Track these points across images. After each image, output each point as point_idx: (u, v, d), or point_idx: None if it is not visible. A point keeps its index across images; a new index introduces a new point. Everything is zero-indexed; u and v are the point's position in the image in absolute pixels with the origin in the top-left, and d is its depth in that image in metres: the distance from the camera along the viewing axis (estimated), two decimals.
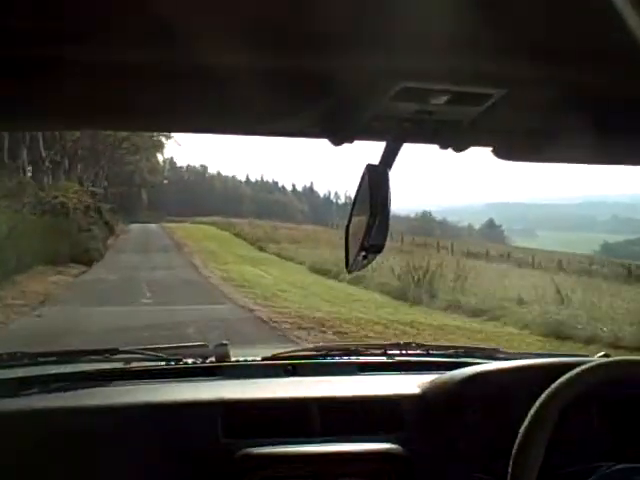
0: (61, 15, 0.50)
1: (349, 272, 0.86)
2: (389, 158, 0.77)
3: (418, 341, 1.98)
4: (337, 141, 0.72)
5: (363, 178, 0.78)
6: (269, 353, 1.81)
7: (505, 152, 0.78)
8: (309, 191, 71.84)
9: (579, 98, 0.65)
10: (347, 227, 0.85)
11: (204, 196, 60.14)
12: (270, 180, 76.30)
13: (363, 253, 0.79)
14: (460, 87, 0.62)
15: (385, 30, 0.52)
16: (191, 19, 0.50)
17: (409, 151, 0.79)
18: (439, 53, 0.54)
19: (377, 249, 0.78)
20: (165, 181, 60.09)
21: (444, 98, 0.64)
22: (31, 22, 0.50)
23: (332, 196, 75.61)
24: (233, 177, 72.84)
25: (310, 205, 65.30)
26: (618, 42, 0.49)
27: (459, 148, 0.75)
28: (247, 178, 75.84)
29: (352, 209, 0.83)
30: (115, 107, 0.65)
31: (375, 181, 0.76)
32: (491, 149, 0.77)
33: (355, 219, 0.82)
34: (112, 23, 0.51)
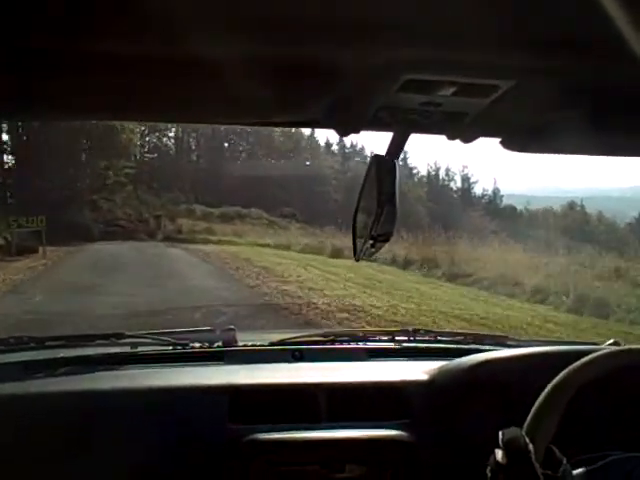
0: (61, 7, 0.49)
1: (357, 260, 0.87)
2: (396, 148, 0.77)
3: None
4: (344, 131, 0.72)
5: (370, 168, 0.78)
6: (276, 338, 1.80)
7: (513, 143, 0.77)
8: (434, 178, 36.09)
9: (586, 90, 0.64)
10: (354, 216, 0.85)
11: (257, 163, 27.89)
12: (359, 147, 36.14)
13: (371, 242, 0.80)
14: (466, 79, 0.61)
15: (391, 21, 0.50)
16: (194, 10, 0.49)
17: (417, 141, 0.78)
18: (445, 44, 0.54)
19: (385, 238, 0.80)
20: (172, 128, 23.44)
21: (451, 90, 0.63)
22: (33, 14, 0.50)
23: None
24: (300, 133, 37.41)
25: (434, 200, 31.31)
26: (627, 35, 0.48)
27: (466, 139, 0.75)
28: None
29: (359, 199, 0.83)
30: (119, 98, 0.64)
31: (382, 171, 0.76)
32: (499, 140, 0.77)
33: (362, 208, 0.83)
34: (112, 13, 0.50)
